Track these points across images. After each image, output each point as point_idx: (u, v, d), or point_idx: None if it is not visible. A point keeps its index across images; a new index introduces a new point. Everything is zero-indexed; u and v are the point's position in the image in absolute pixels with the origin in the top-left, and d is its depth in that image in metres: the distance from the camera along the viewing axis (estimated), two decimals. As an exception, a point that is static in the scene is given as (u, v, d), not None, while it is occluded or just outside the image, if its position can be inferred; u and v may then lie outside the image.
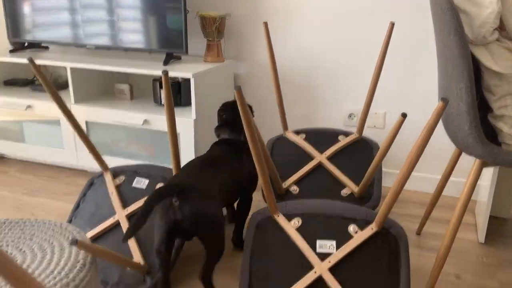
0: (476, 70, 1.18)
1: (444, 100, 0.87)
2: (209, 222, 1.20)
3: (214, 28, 1.93)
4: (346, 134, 1.76)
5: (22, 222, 1.10)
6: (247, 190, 1.52)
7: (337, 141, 1.73)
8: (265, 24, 1.62)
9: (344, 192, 1.58)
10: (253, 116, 1.53)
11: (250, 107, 1.55)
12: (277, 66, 2.03)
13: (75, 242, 0.91)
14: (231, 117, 1.54)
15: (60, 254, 0.98)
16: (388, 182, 2.00)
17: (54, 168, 2.19)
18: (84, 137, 1.48)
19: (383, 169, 2.04)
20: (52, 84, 1.36)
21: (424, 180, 1.99)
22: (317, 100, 2.07)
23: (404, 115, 1.21)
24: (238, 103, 1.02)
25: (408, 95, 1.93)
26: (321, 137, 1.75)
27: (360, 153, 1.69)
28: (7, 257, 0.44)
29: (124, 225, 1.39)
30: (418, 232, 1.66)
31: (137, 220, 1.09)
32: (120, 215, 1.42)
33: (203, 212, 1.19)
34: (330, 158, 1.68)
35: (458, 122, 1.16)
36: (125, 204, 1.45)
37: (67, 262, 0.95)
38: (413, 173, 1.99)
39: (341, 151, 1.70)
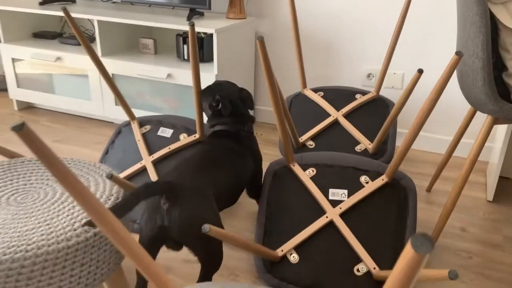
0: (494, 29, 1.20)
1: (459, 53, 0.91)
2: (199, 232, 0.93)
3: (237, -16, 1.95)
4: (363, 93, 1.80)
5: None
6: (250, 190, 1.40)
7: (354, 99, 1.77)
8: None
9: (358, 148, 1.64)
10: (253, 108, 1.38)
11: (250, 98, 1.36)
12: (298, 25, 2.05)
13: (110, 176, 1.01)
14: (230, 103, 1.30)
15: (95, 188, 1.08)
16: (399, 142, 2.05)
17: (82, 118, 2.30)
18: (113, 87, 1.56)
19: (398, 129, 2.09)
20: (84, 36, 1.43)
21: (437, 141, 2.03)
22: (336, 60, 2.10)
23: (420, 71, 1.25)
24: (260, 53, 1.07)
25: (427, 56, 1.94)
26: (339, 95, 1.79)
27: (376, 111, 1.73)
28: (80, 183, 0.53)
29: (150, 170, 1.49)
30: (428, 189, 1.72)
31: (114, 211, 0.89)
32: (146, 161, 1.52)
33: (196, 220, 0.99)
34: (347, 116, 1.73)
35: (473, 78, 1.19)
36: (150, 151, 1.55)
37: (102, 195, 1.05)
38: (426, 134, 2.03)
39: (357, 109, 1.75)
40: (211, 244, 1.02)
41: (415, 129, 1.11)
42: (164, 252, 1.26)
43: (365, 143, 1.64)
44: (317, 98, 1.79)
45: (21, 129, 0.46)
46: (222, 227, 1.04)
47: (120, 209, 0.90)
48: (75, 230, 0.92)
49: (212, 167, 1.16)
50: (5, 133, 2.08)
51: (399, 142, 2.05)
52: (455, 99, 1.94)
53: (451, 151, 1.61)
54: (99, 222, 0.59)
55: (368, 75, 2.06)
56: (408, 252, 0.36)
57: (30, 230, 0.91)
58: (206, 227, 0.84)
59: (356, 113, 1.74)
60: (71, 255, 0.91)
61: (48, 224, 0.93)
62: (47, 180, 1.11)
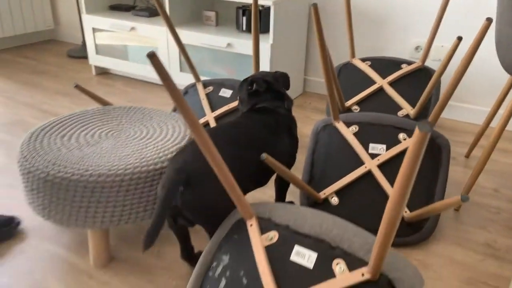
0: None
1: (488, 19, 1.04)
2: (212, 215, 1.03)
3: (295, -40, 2.10)
4: (409, 63, 1.91)
5: (142, 109, 1.46)
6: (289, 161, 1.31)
7: (399, 68, 1.90)
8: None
9: (401, 113, 1.78)
10: (288, 87, 1.37)
11: (285, 76, 1.38)
12: (351, 0, 2.18)
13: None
14: (265, 81, 1.28)
15: (173, 131, 1.32)
16: (444, 114, 2.15)
17: (150, 83, 2.58)
18: (184, 51, 1.79)
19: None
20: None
21: (478, 112, 2.11)
22: (386, 32, 2.21)
23: (459, 38, 1.36)
24: (314, 19, 1.25)
25: (474, 30, 2.00)
26: (385, 65, 1.92)
27: (420, 80, 1.85)
28: (185, 102, 0.75)
29: (212, 124, 1.72)
30: (467, 156, 1.83)
31: (152, 229, 0.95)
32: (209, 117, 1.75)
33: (208, 205, 1.02)
34: (391, 83, 1.86)
35: (507, 46, 1.30)
36: (213, 108, 1.78)
37: (178, 135, 1.29)
38: (468, 106, 2.12)
39: (402, 77, 1.87)
40: (220, 222, 1.04)
41: (450, 88, 1.25)
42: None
43: (407, 109, 1.77)
44: (364, 66, 1.93)
45: (152, 57, 0.68)
46: (232, 208, 1.04)
47: (156, 226, 0.95)
48: (160, 158, 1.16)
49: (243, 143, 1.12)
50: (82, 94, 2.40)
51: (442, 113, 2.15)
52: (495, 72, 2.01)
53: (489, 120, 1.71)
54: (195, 136, 0.81)
55: (416, 48, 2.16)
56: (416, 135, 0.54)
57: (126, 156, 1.16)
58: (263, 156, 0.99)
59: (400, 81, 1.87)
60: (157, 177, 1.15)
61: (139, 153, 1.18)
62: (135, 122, 1.37)
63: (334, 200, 1.39)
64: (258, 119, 1.22)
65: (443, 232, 1.36)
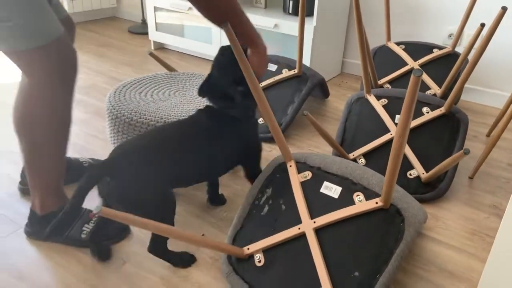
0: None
1: (503, 7, 1.22)
2: (138, 207, 1.04)
3: (340, -50, 2.30)
4: (440, 48, 2.08)
5: (202, 75, 1.73)
6: (246, 172, 1.33)
7: (431, 52, 2.07)
8: None
9: (428, 92, 1.96)
10: (247, 57, 1.14)
11: (245, 50, 1.20)
12: (391, -13, 2.35)
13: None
14: (221, 72, 1.20)
15: (227, 93, 1.58)
16: (467, 97, 2.30)
17: (203, 59, 2.86)
18: (232, 34, 2.04)
19: (468, 85, 2.33)
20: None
21: (501, 97, 2.25)
22: (421, 19, 2.37)
23: (482, 25, 1.54)
24: (354, 6, 1.46)
25: (505, 19, 2.13)
26: (418, 49, 2.10)
27: (449, 64, 2.01)
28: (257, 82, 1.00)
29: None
30: (488, 135, 1.99)
31: (64, 214, 1.00)
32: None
33: (130, 194, 1.04)
34: (422, 66, 2.04)
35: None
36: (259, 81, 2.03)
37: (232, 97, 1.55)
38: (492, 91, 2.26)
39: (433, 61, 2.05)
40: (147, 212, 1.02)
41: (467, 70, 1.44)
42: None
43: (434, 89, 1.95)
44: (398, 49, 2.11)
45: (226, 26, 0.94)
46: (166, 203, 1.10)
47: (70, 211, 1.00)
48: (218, 113, 1.43)
49: (174, 145, 1.14)
50: (145, 65, 2.70)
51: (464, 96, 2.31)
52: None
53: (510, 103, 1.87)
54: (254, 92, 1.07)
55: (450, 35, 2.31)
56: (411, 78, 0.77)
57: (190, 110, 1.44)
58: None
59: (431, 64, 2.05)
60: (215, 127, 1.42)
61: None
62: (196, 85, 1.64)
63: (361, 161, 1.62)
64: (205, 125, 1.21)
65: (456, 194, 1.56)
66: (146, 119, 1.37)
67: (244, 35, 1.12)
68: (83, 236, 1.24)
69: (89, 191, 1.01)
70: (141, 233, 1.31)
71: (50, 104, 1.10)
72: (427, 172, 1.52)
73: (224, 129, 1.20)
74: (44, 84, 1.07)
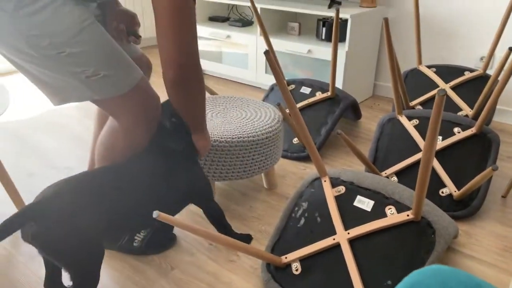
0: None
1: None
2: (60, 256, 1.01)
3: (371, -21, 2.42)
4: (472, 70, 2.13)
5: (241, 98, 1.86)
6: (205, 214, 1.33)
7: (462, 75, 2.13)
8: (414, -24, 2.05)
9: (460, 113, 2.01)
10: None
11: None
12: (420, 12, 2.43)
13: (278, 105, 1.62)
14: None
15: (265, 114, 1.70)
16: (500, 118, 2.31)
17: (239, 83, 3.01)
18: (274, 55, 2.17)
19: (500, 106, 2.35)
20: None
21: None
22: (452, 43, 2.43)
23: (510, 49, 1.59)
24: (384, 30, 1.56)
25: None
26: (449, 71, 2.16)
27: (480, 86, 2.06)
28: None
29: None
30: (522, 155, 2.01)
31: None
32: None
33: (54, 246, 0.99)
34: (454, 88, 2.09)
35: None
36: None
37: (269, 118, 1.66)
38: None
39: (464, 83, 2.10)
40: (70, 266, 1.02)
41: (496, 91, 1.50)
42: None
43: (466, 110, 2.00)
44: (429, 72, 2.18)
45: (267, 53, 1.06)
46: (86, 253, 1.03)
47: None
48: (256, 132, 1.54)
49: (112, 190, 1.09)
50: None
51: (496, 117, 2.32)
52: None
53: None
54: (292, 114, 1.17)
55: (481, 58, 2.36)
56: (436, 98, 0.85)
57: (232, 129, 1.56)
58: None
59: (462, 86, 2.10)
60: (253, 146, 1.53)
61: (241, 128, 1.57)
62: (236, 107, 1.77)
63: (394, 179, 1.68)
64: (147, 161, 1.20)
65: (488, 212, 1.59)
66: (191, 138, 1.50)
67: (195, 119, 1.24)
68: (135, 244, 1.36)
69: (10, 234, 0.95)
70: (186, 242, 1.42)
71: (132, 141, 1.21)
72: (459, 190, 1.56)
73: (164, 165, 1.19)
74: (128, 125, 1.19)
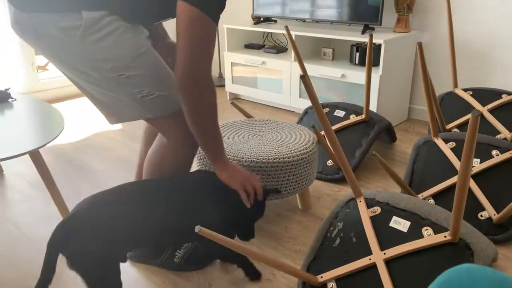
0: None
1: None
2: (82, 273, 1.10)
3: (405, 5, 2.46)
4: (509, 93, 2.10)
5: (276, 121, 1.92)
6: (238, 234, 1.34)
7: (499, 98, 2.10)
8: (448, 2, 2.08)
9: (499, 136, 1.98)
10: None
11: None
12: (455, 35, 2.44)
13: (313, 126, 1.66)
14: None
15: (300, 136, 1.75)
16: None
17: (273, 108, 3.09)
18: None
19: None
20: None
21: None
22: (488, 66, 2.41)
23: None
24: (418, 55, 1.59)
25: None
26: (486, 94, 2.14)
27: (519, 108, 2.03)
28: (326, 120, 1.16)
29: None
30: None
31: (39, 282, 1.06)
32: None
33: (81, 261, 1.09)
34: (491, 111, 2.07)
35: None
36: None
37: (304, 140, 1.71)
38: None
39: (502, 106, 2.07)
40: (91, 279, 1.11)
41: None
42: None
43: (504, 133, 1.97)
44: (466, 95, 2.17)
45: (303, 77, 1.11)
46: (114, 260, 1.14)
47: (44, 279, 1.07)
48: (291, 154, 1.59)
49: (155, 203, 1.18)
50: (223, 114, 2.98)
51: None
52: None
53: None
54: (326, 134, 1.22)
55: (520, 80, 2.32)
56: (471, 118, 0.88)
57: (267, 151, 1.61)
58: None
59: (500, 109, 2.07)
60: (289, 166, 1.57)
61: (276, 150, 1.62)
62: (271, 130, 1.83)
63: (431, 202, 1.67)
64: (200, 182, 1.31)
65: None
66: (229, 158, 1.57)
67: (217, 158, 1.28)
68: (175, 260, 1.42)
69: (56, 259, 1.06)
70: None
71: (179, 157, 1.31)
72: (498, 213, 1.53)
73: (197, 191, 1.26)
74: (176, 142, 1.29)
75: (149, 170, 1.36)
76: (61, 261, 1.08)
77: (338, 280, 1.23)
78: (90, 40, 1.11)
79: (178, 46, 1.11)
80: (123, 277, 1.17)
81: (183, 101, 1.16)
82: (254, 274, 1.38)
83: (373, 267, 1.19)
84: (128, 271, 1.41)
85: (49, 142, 1.51)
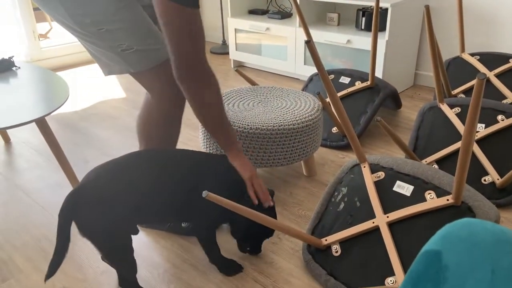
0: None
1: None
2: (95, 241, 1.13)
3: (412, -33, 2.39)
4: (518, 57, 2.07)
5: (281, 88, 1.91)
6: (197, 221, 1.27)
7: (507, 62, 2.07)
8: (457, -38, 2.02)
9: (505, 101, 1.96)
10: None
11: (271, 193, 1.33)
12: (463, 0, 2.39)
13: (318, 93, 1.66)
14: None
15: (305, 103, 1.74)
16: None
17: (278, 75, 3.06)
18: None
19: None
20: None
21: None
22: (497, 30, 2.36)
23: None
24: (426, 20, 1.56)
25: None
26: (493, 59, 2.11)
27: (527, 73, 2.00)
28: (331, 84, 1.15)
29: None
30: None
31: (57, 257, 1.07)
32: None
33: (91, 230, 1.11)
34: (498, 76, 2.04)
35: None
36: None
37: (309, 107, 1.71)
38: None
39: (509, 70, 2.04)
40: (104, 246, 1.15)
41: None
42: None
43: (510, 98, 1.95)
44: (473, 60, 2.14)
45: (308, 42, 1.10)
46: (120, 234, 1.15)
47: (58, 261, 1.07)
48: (296, 121, 1.59)
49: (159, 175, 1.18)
50: (226, 82, 2.96)
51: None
52: None
53: None
54: (333, 107, 1.22)
55: (529, 44, 2.28)
56: (476, 81, 0.87)
57: (272, 118, 1.61)
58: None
59: (507, 74, 2.04)
60: (293, 134, 1.58)
61: (282, 117, 1.62)
62: (276, 97, 1.82)
63: (434, 167, 1.68)
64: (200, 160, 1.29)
65: None
66: (234, 126, 1.57)
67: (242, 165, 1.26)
68: (183, 225, 1.45)
69: (70, 227, 1.08)
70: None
71: (163, 111, 1.34)
72: (502, 178, 1.54)
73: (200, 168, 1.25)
74: (159, 96, 1.31)
75: (140, 128, 1.41)
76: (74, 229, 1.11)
77: (342, 242, 1.26)
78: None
79: (166, 42, 1.11)
80: (134, 240, 1.21)
81: (184, 95, 1.18)
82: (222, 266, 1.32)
83: (376, 230, 1.22)
84: (137, 236, 1.45)
85: (56, 109, 1.52)
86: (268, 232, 1.30)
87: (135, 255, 1.20)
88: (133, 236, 1.19)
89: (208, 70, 1.16)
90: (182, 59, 1.11)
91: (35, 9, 3.17)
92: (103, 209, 1.10)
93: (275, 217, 1.30)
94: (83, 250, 1.40)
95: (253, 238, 1.32)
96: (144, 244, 1.43)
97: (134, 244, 1.19)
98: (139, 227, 1.26)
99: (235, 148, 1.29)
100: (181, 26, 1.07)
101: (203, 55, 1.14)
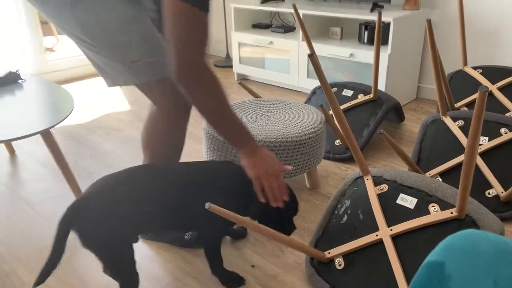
0: None
1: None
2: (97, 252, 1.12)
3: (414, -18, 2.42)
4: (520, 71, 2.08)
5: (284, 101, 1.92)
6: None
7: (510, 76, 2.08)
8: (458, -23, 2.04)
9: (508, 114, 1.97)
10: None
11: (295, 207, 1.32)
12: (465, 12, 2.40)
13: (321, 106, 1.66)
14: None
15: (308, 115, 1.75)
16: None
17: (281, 88, 3.08)
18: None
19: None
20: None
21: None
22: (499, 43, 2.38)
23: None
24: (427, 33, 1.57)
25: None
26: (495, 72, 2.12)
27: (529, 86, 2.01)
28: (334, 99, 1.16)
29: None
30: None
31: (49, 263, 1.07)
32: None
33: (93, 239, 1.11)
34: (501, 89, 2.05)
35: None
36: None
37: (312, 119, 1.71)
38: None
39: (511, 84, 2.05)
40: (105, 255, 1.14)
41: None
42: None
43: (514, 112, 1.95)
44: (475, 73, 2.15)
45: (311, 56, 1.11)
46: (124, 241, 1.15)
47: (49, 268, 1.07)
48: (299, 133, 1.60)
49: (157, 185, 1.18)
50: (230, 95, 2.97)
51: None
52: None
53: None
54: (334, 112, 1.22)
55: (531, 58, 2.29)
56: (478, 94, 0.88)
57: (275, 130, 1.62)
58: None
59: (510, 87, 2.05)
60: (296, 146, 1.58)
61: (284, 129, 1.63)
62: (279, 110, 1.83)
63: (438, 179, 1.67)
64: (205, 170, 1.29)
65: None
66: (237, 139, 1.58)
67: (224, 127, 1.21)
68: (185, 237, 1.45)
69: (67, 237, 1.07)
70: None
71: (168, 123, 1.34)
72: (506, 191, 1.54)
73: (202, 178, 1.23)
74: (164, 109, 1.32)
75: (144, 139, 1.41)
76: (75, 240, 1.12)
77: (345, 255, 1.26)
78: (81, 5, 1.14)
79: (167, 40, 1.09)
80: (136, 253, 1.20)
81: (188, 98, 1.16)
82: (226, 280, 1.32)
83: (379, 243, 1.21)
84: (139, 247, 1.45)
85: (61, 121, 1.53)
86: (290, 208, 1.27)
87: (137, 267, 1.19)
88: (135, 249, 1.19)
89: (211, 71, 1.18)
90: (187, 60, 1.09)
91: (42, 22, 3.22)
92: (107, 219, 1.10)
93: (293, 213, 1.29)
94: (86, 263, 1.40)
95: (275, 220, 1.25)
96: (146, 257, 1.42)
97: (136, 257, 1.19)
98: (141, 239, 1.25)
99: (249, 146, 1.22)
100: (192, 28, 1.07)
101: (206, 58, 1.16)
